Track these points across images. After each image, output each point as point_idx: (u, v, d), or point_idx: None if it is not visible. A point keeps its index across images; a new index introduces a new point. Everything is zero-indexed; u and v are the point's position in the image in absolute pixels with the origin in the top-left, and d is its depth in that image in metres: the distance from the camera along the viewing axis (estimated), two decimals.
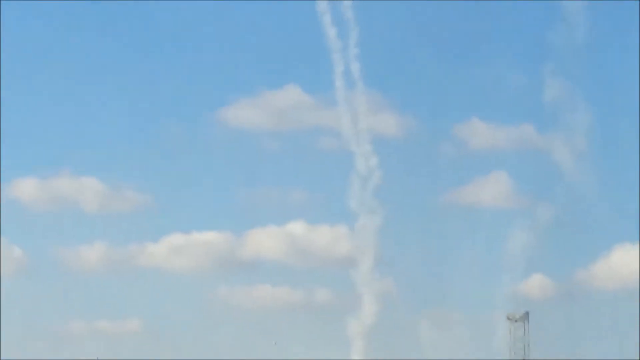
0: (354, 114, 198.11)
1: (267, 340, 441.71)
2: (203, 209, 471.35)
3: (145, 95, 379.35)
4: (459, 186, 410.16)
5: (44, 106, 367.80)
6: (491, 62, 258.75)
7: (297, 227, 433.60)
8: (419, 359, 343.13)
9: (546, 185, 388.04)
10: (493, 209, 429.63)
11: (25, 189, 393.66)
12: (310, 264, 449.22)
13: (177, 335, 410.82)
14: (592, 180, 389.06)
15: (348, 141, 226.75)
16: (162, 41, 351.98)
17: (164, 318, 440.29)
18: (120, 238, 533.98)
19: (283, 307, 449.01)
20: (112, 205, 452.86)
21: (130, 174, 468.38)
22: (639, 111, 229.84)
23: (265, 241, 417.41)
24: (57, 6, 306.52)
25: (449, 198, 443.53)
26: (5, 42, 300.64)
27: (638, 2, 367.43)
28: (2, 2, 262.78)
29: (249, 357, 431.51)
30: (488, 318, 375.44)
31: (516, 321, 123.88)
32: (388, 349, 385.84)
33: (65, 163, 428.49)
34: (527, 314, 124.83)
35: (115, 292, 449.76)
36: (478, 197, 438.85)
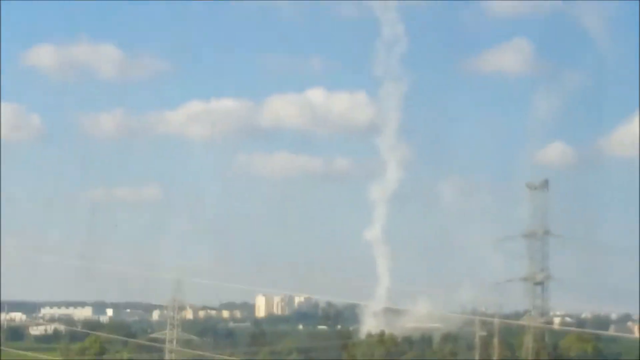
0: None
1: (286, 207, 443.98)
2: (222, 76, 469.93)
3: None
4: (481, 52, 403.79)
5: None
6: None
7: (316, 94, 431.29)
8: (441, 224, 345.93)
9: (568, 52, 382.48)
10: (516, 76, 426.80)
11: (43, 56, 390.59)
12: (329, 131, 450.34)
13: (196, 202, 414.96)
14: (615, 47, 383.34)
15: (371, 8, 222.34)
16: None
17: (182, 185, 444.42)
18: (138, 105, 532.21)
19: (302, 174, 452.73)
20: (130, 72, 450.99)
21: (149, 41, 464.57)
22: None
23: (284, 108, 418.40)
24: None
25: (471, 64, 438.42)
26: None
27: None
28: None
29: (269, 224, 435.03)
30: (508, 185, 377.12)
31: (535, 189, 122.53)
32: (410, 214, 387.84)
33: (82, 29, 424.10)
34: (546, 181, 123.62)
35: (133, 160, 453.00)
36: (500, 64, 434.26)
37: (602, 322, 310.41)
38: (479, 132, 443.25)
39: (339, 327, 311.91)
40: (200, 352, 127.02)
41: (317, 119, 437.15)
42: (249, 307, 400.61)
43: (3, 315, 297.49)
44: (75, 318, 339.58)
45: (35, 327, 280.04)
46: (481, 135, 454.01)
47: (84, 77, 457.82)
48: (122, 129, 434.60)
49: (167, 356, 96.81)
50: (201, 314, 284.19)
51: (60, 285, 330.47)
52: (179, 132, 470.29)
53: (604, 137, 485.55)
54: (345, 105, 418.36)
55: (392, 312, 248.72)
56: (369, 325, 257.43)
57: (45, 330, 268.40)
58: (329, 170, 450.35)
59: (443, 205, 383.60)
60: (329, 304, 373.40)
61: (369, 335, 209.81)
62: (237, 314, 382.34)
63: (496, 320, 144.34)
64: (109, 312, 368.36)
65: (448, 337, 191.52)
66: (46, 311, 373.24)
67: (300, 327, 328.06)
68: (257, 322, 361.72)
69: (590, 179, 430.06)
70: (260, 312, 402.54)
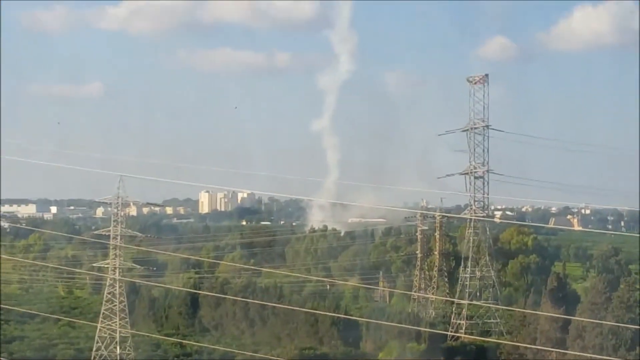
0: None
1: (228, 102, 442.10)
2: None
3: None
4: None
5: None
6: None
7: None
8: (386, 114, 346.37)
9: None
10: None
11: None
12: (271, 26, 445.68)
13: (138, 98, 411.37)
14: None
15: None
16: None
17: (124, 82, 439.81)
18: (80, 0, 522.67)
19: (244, 69, 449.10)
20: None
21: None
22: None
23: (226, 4, 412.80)
24: None
25: None
26: None
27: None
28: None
29: (211, 120, 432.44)
30: (449, 80, 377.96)
31: (476, 83, 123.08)
32: (356, 106, 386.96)
33: None
34: (486, 76, 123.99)
35: (74, 56, 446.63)
36: None
37: (542, 216, 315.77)
38: (424, 26, 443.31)
39: (282, 222, 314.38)
40: (145, 248, 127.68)
41: (258, 14, 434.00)
42: (193, 204, 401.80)
43: None
44: (19, 215, 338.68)
45: None
46: (424, 30, 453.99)
47: None
48: (63, 25, 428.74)
49: (111, 252, 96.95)
50: (145, 210, 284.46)
51: (3, 182, 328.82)
52: (120, 27, 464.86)
53: (544, 31, 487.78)
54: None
55: (335, 206, 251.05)
56: (312, 220, 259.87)
57: None
58: (270, 65, 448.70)
59: (388, 98, 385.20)
60: (272, 200, 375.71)
61: (312, 230, 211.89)
62: (181, 210, 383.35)
63: (437, 214, 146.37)
64: (53, 209, 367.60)
65: (390, 231, 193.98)
66: None
67: (244, 222, 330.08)
68: (200, 218, 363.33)
69: (530, 73, 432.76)
70: (204, 208, 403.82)
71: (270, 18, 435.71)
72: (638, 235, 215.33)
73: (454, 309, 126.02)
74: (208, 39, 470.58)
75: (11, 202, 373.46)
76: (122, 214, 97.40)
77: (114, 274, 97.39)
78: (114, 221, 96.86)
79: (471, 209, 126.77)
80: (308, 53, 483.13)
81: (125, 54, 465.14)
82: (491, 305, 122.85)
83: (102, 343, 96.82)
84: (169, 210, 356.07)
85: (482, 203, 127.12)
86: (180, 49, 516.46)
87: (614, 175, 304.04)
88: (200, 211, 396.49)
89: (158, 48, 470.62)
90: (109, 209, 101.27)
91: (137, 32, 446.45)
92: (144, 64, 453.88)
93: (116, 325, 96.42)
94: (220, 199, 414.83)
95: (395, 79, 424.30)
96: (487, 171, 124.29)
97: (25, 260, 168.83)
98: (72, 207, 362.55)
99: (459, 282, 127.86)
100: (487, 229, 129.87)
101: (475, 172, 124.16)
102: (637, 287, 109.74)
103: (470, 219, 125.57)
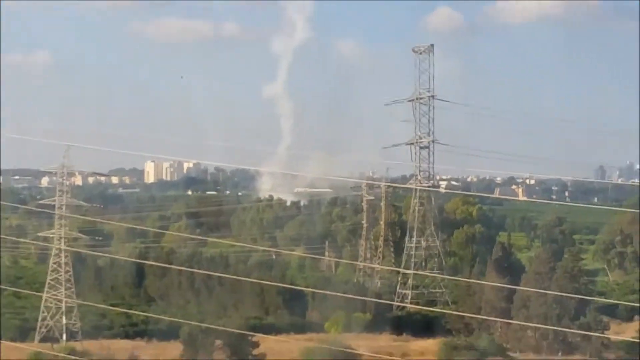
0: None
1: (177, 72, 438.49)
2: None
3: None
4: None
5: None
6: None
7: None
8: (335, 85, 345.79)
9: None
10: None
11: None
12: None
13: (87, 68, 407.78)
14: None
15: None
16: None
17: (73, 52, 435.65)
18: None
19: (193, 39, 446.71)
20: None
21: None
22: None
23: None
24: None
25: None
26: None
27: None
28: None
29: (160, 89, 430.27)
30: (393, 50, 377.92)
31: (421, 54, 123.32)
32: (304, 75, 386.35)
33: None
34: (432, 46, 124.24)
35: (24, 25, 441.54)
36: None
37: (487, 186, 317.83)
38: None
39: (227, 192, 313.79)
40: (90, 218, 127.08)
41: None
42: (138, 173, 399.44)
43: None
44: None
45: None
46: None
47: None
48: None
49: (56, 222, 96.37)
50: (90, 180, 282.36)
51: None
52: None
53: (490, 3, 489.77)
54: None
55: (281, 176, 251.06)
56: (258, 190, 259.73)
57: None
58: (220, 35, 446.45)
59: (337, 68, 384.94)
60: (218, 170, 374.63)
61: (258, 200, 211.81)
62: (127, 180, 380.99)
63: (383, 184, 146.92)
64: None
65: (336, 201, 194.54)
66: None
67: (189, 192, 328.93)
68: (146, 187, 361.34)
69: (476, 44, 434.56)
70: (150, 178, 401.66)
71: None
72: (582, 205, 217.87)
73: (399, 279, 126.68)
74: (157, 8, 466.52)
75: None
76: (68, 183, 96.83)
77: (60, 243, 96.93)
78: (59, 191, 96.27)
79: (417, 179, 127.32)
80: (258, 24, 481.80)
81: (75, 23, 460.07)
82: (436, 275, 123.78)
83: (48, 313, 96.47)
84: (115, 180, 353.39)
85: (427, 173, 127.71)
86: (132, 19, 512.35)
87: (558, 145, 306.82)
88: (146, 181, 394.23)
89: (107, 18, 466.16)
90: (55, 178, 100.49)
91: (87, 3, 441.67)
92: (93, 34, 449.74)
93: (62, 295, 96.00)
94: (166, 168, 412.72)
95: (345, 48, 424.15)
96: (433, 141, 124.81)
97: None
98: (17, 177, 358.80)
99: (405, 252, 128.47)
100: (433, 199, 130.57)
101: (420, 142, 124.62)
102: (581, 256, 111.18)
103: (416, 189, 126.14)
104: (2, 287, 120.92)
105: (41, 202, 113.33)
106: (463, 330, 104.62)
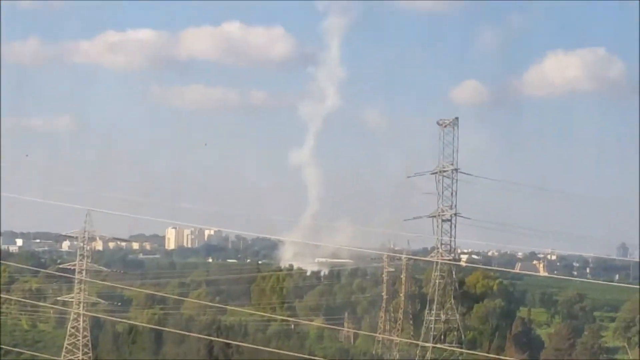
0: None
1: (201, 139, 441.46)
2: (138, 6, 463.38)
3: None
4: None
5: None
6: None
7: (232, 27, 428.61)
8: (358, 155, 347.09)
9: None
10: (430, 13, 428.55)
11: None
12: (245, 64, 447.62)
13: (109, 133, 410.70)
14: None
15: None
16: None
17: (96, 116, 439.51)
18: (53, 34, 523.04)
19: (217, 106, 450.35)
20: (47, 0, 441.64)
21: None
22: None
23: (200, 41, 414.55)
24: None
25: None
26: None
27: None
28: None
29: (182, 156, 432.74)
30: (422, 121, 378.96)
31: (446, 126, 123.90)
32: (328, 145, 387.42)
33: None
34: (456, 119, 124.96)
35: (48, 89, 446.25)
36: (417, 2, 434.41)
37: (508, 260, 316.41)
38: (400, 67, 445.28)
39: (248, 260, 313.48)
40: (110, 283, 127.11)
41: (232, 52, 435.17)
42: (159, 239, 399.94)
43: None
44: None
45: None
46: (401, 71, 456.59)
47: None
48: (37, 58, 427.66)
49: (76, 286, 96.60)
50: (111, 245, 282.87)
51: None
52: (94, 62, 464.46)
53: (517, 76, 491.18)
54: (261, 39, 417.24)
55: (302, 245, 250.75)
56: (278, 258, 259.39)
57: None
58: (244, 103, 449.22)
59: (361, 139, 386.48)
60: (239, 237, 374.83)
61: (278, 269, 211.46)
62: (147, 245, 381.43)
63: (404, 256, 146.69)
64: (19, 242, 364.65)
65: (356, 272, 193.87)
66: None
67: (210, 259, 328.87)
68: (167, 254, 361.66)
69: (501, 118, 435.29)
70: (170, 244, 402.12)
71: (245, 56, 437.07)
72: (603, 282, 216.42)
73: (418, 352, 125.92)
74: (182, 75, 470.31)
75: None
76: (88, 248, 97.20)
77: (79, 308, 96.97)
78: (79, 255, 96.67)
79: (438, 251, 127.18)
80: (282, 91, 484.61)
81: (97, 88, 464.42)
82: (455, 349, 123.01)
83: None
84: (135, 245, 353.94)
85: (448, 246, 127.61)
86: (154, 84, 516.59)
87: (580, 222, 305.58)
88: (166, 247, 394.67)
89: (131, 83, 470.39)
90: (75, 242, 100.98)
91: (111, 67, 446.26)
92: (116, 99, 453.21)
93: (79, 359, 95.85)
94: (187, 235, 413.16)
95: (370, 119, 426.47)
96: (455, 214, 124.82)
97: None
98: (38, 240, 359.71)
99: (424, 324, 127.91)
100: (453, 272, 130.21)
101: (443, 215, 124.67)
102: (601, 334, 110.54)
103: (437, 262, 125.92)
104: (20, 350, 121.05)
105: (61, 266, 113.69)
106: None
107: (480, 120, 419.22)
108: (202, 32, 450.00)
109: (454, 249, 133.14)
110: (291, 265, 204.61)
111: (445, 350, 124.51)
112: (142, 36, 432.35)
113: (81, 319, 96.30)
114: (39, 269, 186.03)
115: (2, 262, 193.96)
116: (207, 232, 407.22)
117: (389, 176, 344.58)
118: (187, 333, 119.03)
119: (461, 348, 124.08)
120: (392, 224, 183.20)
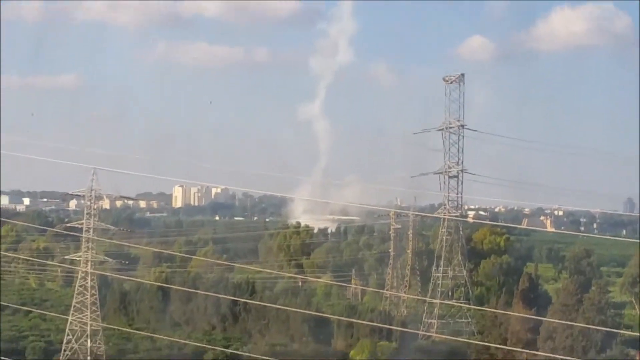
0: None
1: (206, 97, 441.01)
2: None
3: None
4: None
5: None
6: None
7: None
8: (364, 112, 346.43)
9: None
10: None
11: None
12: (250, 21, 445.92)
13: (114, 91, 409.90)
14: None
15: None
16: None
17: (101, 74, 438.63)
18: None
19: (221, 64, 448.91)
20: None
21: None
22: None
23: None
24: None
25: None
26: None
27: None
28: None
29: (188, 114, 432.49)
30: (429, 78, 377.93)
31: (452, 83, 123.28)
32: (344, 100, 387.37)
33: None
34: (462, 75, 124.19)
35: (52, 47, 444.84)
36: None
37: (515, 216, 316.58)
38: (405, 24, 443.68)
39: (255, 218, 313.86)
40: (117, 241, 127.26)
41: (237, 9, 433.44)
42: (166, 198, 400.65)
43: None
44: None
45: None
46: (407, 28, 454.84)
47: None
48: (41, 16, 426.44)
49: (83, 245, 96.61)
50: (118, 203, 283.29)
51: None
52: (98, 19, 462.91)
53: (523, 32, 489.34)
54: None
55: (309, 203, 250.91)
56: (286, 216, 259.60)
57: None
58: (247, 61, 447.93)
59: (367, 95, 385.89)
60: (246, 195, 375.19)
61: (285, 226, 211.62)
62: (154, 204, 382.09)
63: (411, 213, 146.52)
64: (26, 201, 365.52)
65: (363, 229, 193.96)
66: None
67: (217, 217, 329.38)
68: (173, 212, 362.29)
69: (508, 73, 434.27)
70: (177, 202, 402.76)
71: (249, 13, 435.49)
72: (610, 237, 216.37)
73: (425, 308, 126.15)
74: (186, 32, 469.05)
75: None
76: (95, 206, 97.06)
77: (86, 266, 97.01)
78: (86, 214, 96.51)
79: (445, 208, 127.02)
80: (288, 48, 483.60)
81: (102, 46, 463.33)
82: (463, 305, 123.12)
83: (73, 336, 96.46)
84: (142, 203, 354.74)
85: (455, 202, 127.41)
86: (159, 42, 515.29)
87: (587, 177, 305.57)
88: (173, 205, 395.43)
89: (135, 41, 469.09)
90: (82, 201, 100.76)
91: (115, 25, 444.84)
92: (122, 57, 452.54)
93: (87, 318, 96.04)
94: (194, 193, 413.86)
95: (375, 76, 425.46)
96: (462, 171, 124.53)
97: None
98: (44, 199, 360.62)
99: (432, 281, 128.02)
100: (460, 229, 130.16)
101: (449, 171, 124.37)
102: (608, 289, 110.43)
103: (444, 219, 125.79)
104: (28, 309, 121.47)
105: (68, 224, 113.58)
106: None
107: (486, 76, 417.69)
108: None
109: (461, 206, 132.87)
110: (298, 223, 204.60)
111: (453, 306, 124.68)
112: None
113: (89, 278, 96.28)
114: (46, 228, 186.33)
115: (9, 221, 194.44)
116: (214, 190, 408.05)
117: (396, 134, 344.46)
118: (194, 291, 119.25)
119: (469, 304, 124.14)
120: (399, 180, 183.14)
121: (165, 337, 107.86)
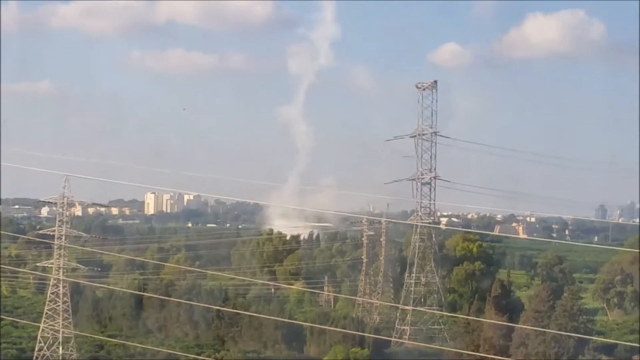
0: None
1: (180, 104, 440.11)
2: None
3: None
4: None
5: None
6: None
7: None
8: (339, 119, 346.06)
9: None
10: None
11: None
12: (224, 28, 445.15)
13: (88, 99, 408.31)
14: None
15: None
16: None
17: (75, 81, 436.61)
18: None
19: (196, 72, 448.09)
20: None
21: None
22: None
23: (179, 5, 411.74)
24: None
25: None
26: None
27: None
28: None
29: (161, 120, 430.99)
30: (400, 85, 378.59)
31: (424, 89, 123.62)
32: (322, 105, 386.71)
33: None
34: (435, 82, 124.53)
35: (25, 54, 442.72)
36: None
37: (488, 223, 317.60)
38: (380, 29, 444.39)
39: (228, 225, 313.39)
40: (89, 249, 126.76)
41: (212, 16, 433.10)
42: (138, 205, 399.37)
43: None
44: None
45: None
46: (382, 32, 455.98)
47: None
48: (14, 22, 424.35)
49: (55, 252, 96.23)
50: (90, 210, 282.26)
51: None
52: (73, 26, 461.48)
53: (497, 39, 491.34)
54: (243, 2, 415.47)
55: (281, 210, 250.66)
56: (258, 223, 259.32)
57: None
58: (222, 67, 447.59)
59: (342, 101, 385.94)
60: (218, 202, 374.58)
61: (258, 233, 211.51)
62: (127, 211, 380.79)
63: (383, 220, 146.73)
64: None
65: (336, 236, 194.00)
66: None
67: (189, 224, 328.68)
68: (146, 219, 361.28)
69: (481, 80, 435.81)
70: (150, 209, 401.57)
71: (224, 20, 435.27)
72: (582, 244, 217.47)
73: (398, 315, 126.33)
74: (161, 39, 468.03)
75: None
76: (67, 213, 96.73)
77: (58, 274, 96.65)
78: (59, 221, 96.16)
79: (417, 214, 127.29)
80: (263, 55, 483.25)
81: (76, 53, 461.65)
82: (435, 312, 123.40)
83: (45, 343, 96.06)
84: (115, 210, 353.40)
85: (428, 209, 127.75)
86: (133, 49, 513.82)
87: (559, 184, 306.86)
88: (145, 212, 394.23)
89: (110, 48, 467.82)
90: (54, 208, 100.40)
91: (89, 31, 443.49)
92: (96, 64, 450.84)
93: (59, 325, 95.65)
94: (167, 200, 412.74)
95: (350, 83, 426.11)
96: (434, 177, 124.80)
97: None
98: (16, 206, 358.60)
99: (404, 287, 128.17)
100: (433, 235, 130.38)
101: (422, 178, 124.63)
102: (580, 295, 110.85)
103: (417, 225, 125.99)
104: (0, 316, 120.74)
105: (40, 232, 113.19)
106: None
107: (459, 82, 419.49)
108: None
109: (434, 212, 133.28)
110: (271, 230, 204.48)
111: (426, 313, 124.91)
112: (120, 0, 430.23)
113: (61, 285, 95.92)
114: (18, 235, 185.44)
115: None
116: (186, 197, 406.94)
117: (370, 140, 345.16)
118: (166, 298, 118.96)
119: (441, 311, 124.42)
120: (373, 186, 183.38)
121: (138, 345, 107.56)
